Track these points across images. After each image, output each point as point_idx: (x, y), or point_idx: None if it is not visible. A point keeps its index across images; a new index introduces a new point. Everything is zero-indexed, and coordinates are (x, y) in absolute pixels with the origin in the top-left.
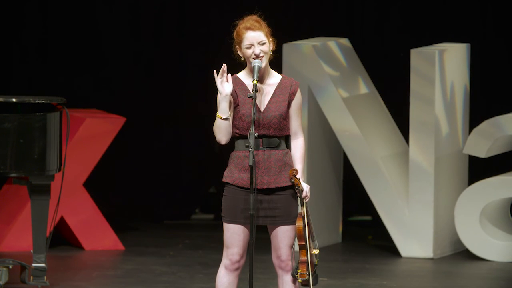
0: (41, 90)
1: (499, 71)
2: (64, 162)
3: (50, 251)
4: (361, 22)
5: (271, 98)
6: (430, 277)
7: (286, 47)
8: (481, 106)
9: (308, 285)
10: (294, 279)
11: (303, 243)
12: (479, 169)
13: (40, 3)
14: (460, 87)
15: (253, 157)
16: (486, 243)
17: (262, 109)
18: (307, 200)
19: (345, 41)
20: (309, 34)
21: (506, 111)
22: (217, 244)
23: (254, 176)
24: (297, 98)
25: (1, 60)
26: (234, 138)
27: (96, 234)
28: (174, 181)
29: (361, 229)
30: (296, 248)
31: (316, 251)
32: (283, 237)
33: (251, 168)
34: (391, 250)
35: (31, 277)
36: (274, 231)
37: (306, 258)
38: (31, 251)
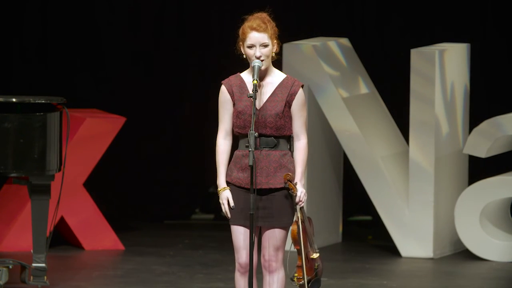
0: (41, 90)
1: (499, 71)
2: (64, 162)
3: (50, 251)
4: (361, 22)
5: (269, 97)
6: (430, 277)
7: (286, 47)
8: (481, 106)
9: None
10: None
11: (299, 248)
12: (479, 169)
13: (40, 3)
14: (460, 87)
15: (253, 157)
16: (486, 243)
17: (258, 107)
18: (301, 205)
19: (345, 41)
20: (309, 34)
21: (506, 111)
22: (217, 244)
23: (254, 175)
24: (298, 99)
25: (1, 60)
26: (235, 137)
27: (96, 234)
28: (174, 181)
29: (361, 229)
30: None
31: (315, 255)
32: (269, 237)
33: (251, 168)
34: (391, 250)
35: (31, 277)
36: (265, 232)
37: (299, 263)
38: (31, 251)
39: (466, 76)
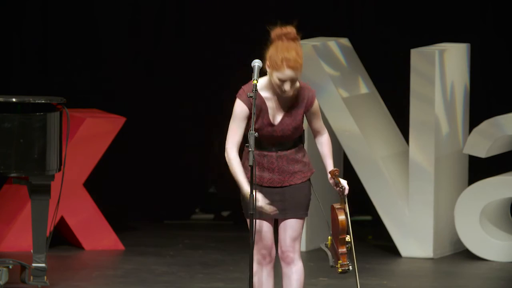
0: (41, 90)
1: (499, 71)
2: (64, 162)
3: (50, 251)
4: (361, 22)
5: (286, 112)
6: (430, 277)
7: None
8: (481, 106)
9: (354, 271)
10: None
11: (344, 236)
12: (479, 169)
13: (41, 3)
14: (460, 87)
15: (253, 157)
16: (486, 243)
17: (276, 123)
18: (346, 192)
19: (345, 41)
20: (309, 34)
21: (506, 111)
22: (217, 244)
23: (254, 175)
24: (315, 105)
25: (1, 60)
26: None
27: (96, 234)
28: (174, 181)
29: (361, 229)
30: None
31: (348, 238)
32: (286, 227)
33: (251, 168)
34: (391, 250)
35: (31, 277)
36: (281, 223)
37: (345, 250)
38: (31, 251)
39: (466, 76)
